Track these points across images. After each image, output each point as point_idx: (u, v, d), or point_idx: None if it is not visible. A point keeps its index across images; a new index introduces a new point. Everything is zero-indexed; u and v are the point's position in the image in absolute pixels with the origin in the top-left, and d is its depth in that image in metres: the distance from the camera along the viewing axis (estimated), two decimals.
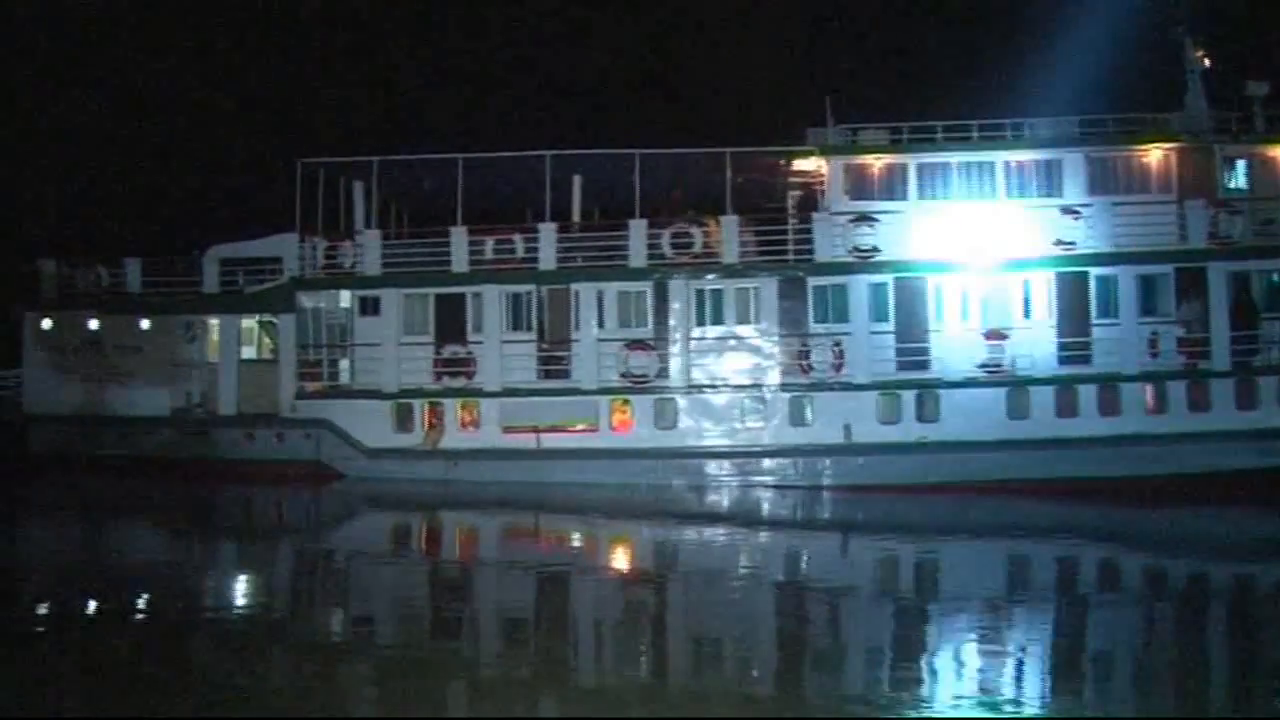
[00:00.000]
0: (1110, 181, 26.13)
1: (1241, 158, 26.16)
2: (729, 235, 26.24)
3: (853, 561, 19.73)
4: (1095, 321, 25.43)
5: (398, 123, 46.13)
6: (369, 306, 27.48)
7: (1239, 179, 26.17)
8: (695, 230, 26.42)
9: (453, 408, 26.36)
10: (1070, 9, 37.38)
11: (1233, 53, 28.25)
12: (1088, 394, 24.86)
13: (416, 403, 26.52)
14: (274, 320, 29.06)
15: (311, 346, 27.67)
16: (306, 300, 27.57)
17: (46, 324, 28.19)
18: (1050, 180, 26.20)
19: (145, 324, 27.74)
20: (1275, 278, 25.64)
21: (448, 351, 26.57)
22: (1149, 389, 24.85)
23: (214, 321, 28.56)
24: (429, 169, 27.87)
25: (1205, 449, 24.19)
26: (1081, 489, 23.99)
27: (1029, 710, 10.97)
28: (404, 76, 51.50)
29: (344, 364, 28.09)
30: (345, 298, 28.61)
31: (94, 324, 27.94)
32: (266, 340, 29.98)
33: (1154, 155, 26.16)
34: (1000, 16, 44.45)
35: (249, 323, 29.69)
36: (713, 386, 25.67)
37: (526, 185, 28.79)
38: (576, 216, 28.56)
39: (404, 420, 26.49)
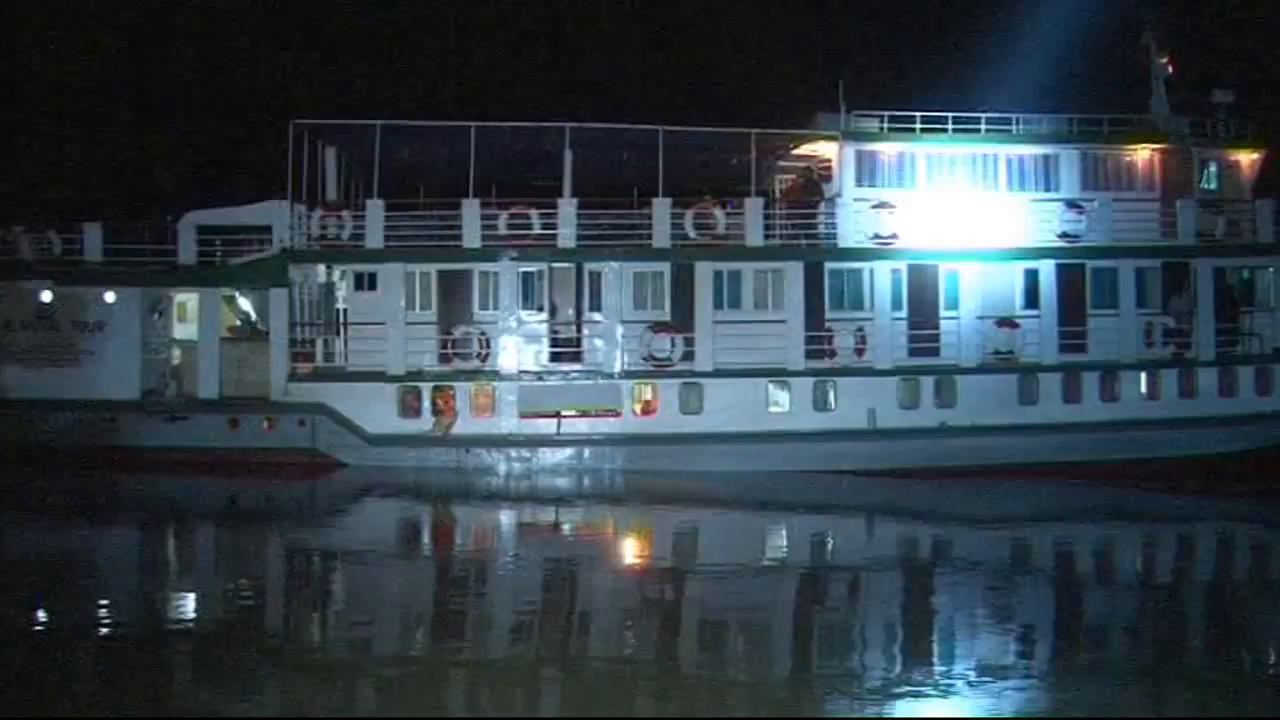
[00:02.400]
0: (1101, 178, 27.40)
1: (1213, 161, 28.00)
2: (754, 218, 25.97)
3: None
4: (1091, 312, 26.68)
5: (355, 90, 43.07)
6: (365, 282, 25.67)
7: (1211, 180, 28.01)
8: (718, 212, 26.00)
9: (466, 391, 24.99)
10: (1046, 10, 38.87)
11: (1197, 61, 30.04)
12: (1090, 381, 26.09)
13: (425, 386, 25.00)
14: (235, 294, 26.83)
15: (303, 325, 25.59)
16: (297, 274, 25.46)
17: None
18: (1048, 175, 27.23)
19: (110, 297, 24.85)
20: (1245, 274, 27.61)
21: (459, 331, 25.17)
22: (1144, 377, 26.32)
23: (184, 297, 26.01)
24: (433, 137, 26.27)
25: (1192, 434, 25.89)
26: (1085, 472, 25.15)
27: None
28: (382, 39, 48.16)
29: (324, 343, 26.20)
30: (322, 271, 26.78)
31: (46, 296, 24.82)
32: (226, 316, 27.52)
33: (1140, 155, 27.62)
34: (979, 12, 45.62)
35: (186, 297, 27.26)
36: (738, 371, 25.32)
37: (520, 158, 27.78)
38: (568, 192, 27.60)
39: (411, 405, 24.92)
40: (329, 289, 27.26)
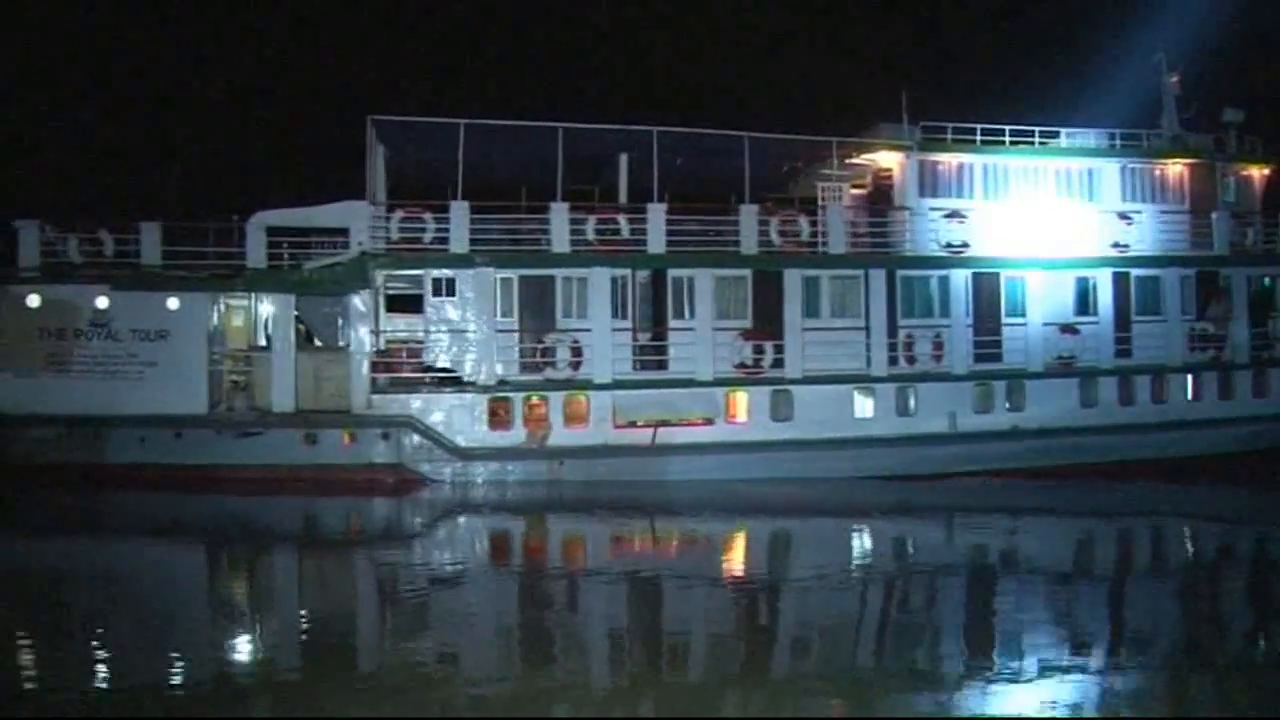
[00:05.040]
0: (1139, 190, 28.72)
1: (1231, 175, 29.77)
2: (835, 226, 26.12)
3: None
4: (1135, 318, 27.96)
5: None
6: (443, 287, 24.53)
7: (1230, 193, 29.77)
8: (803, 219, 26.03)
9: (559, 402, 24.16)
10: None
11: (1208, 80, 31.81)
12: (1142, 384, 27.34)
13: (517, 396, 24.04)
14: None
15: (381, 333, 24.22)
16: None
17: (34, 300, 22.51)
18: (1091, 186, 28.38)
19: (173, 303, 22.88)
20: (1267, 281, 29.47)
21: (550, 339, 24.32)
22: (1190, 379, 27.77)
23: (239, 303, 24.28)
24: (509, 136, 25.29)
25: (1231, 432, 27.48)
26: (1139, 470, 26.28)
27: None
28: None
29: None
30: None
31: (102, 301, 22.65)
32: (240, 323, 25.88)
33: (1173, 169, 29.09)
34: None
35: (237, 303, 25.61)
36: (825, 377, 25.38)
37: (572, 162, 27.13)
38: (624, 198, 27.21)
39: (502, 416, 23.94)
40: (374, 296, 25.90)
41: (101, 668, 11.87)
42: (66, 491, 21.88)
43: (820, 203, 29.59)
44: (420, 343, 24.69)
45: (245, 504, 22.19)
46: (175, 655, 12.26)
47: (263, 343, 25.38)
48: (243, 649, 13.08)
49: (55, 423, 22.30)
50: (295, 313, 25.41)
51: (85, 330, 22.56)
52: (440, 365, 24.27)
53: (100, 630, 13.20)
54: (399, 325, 26.55)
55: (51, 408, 22.39)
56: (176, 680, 11.53)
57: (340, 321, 26.13)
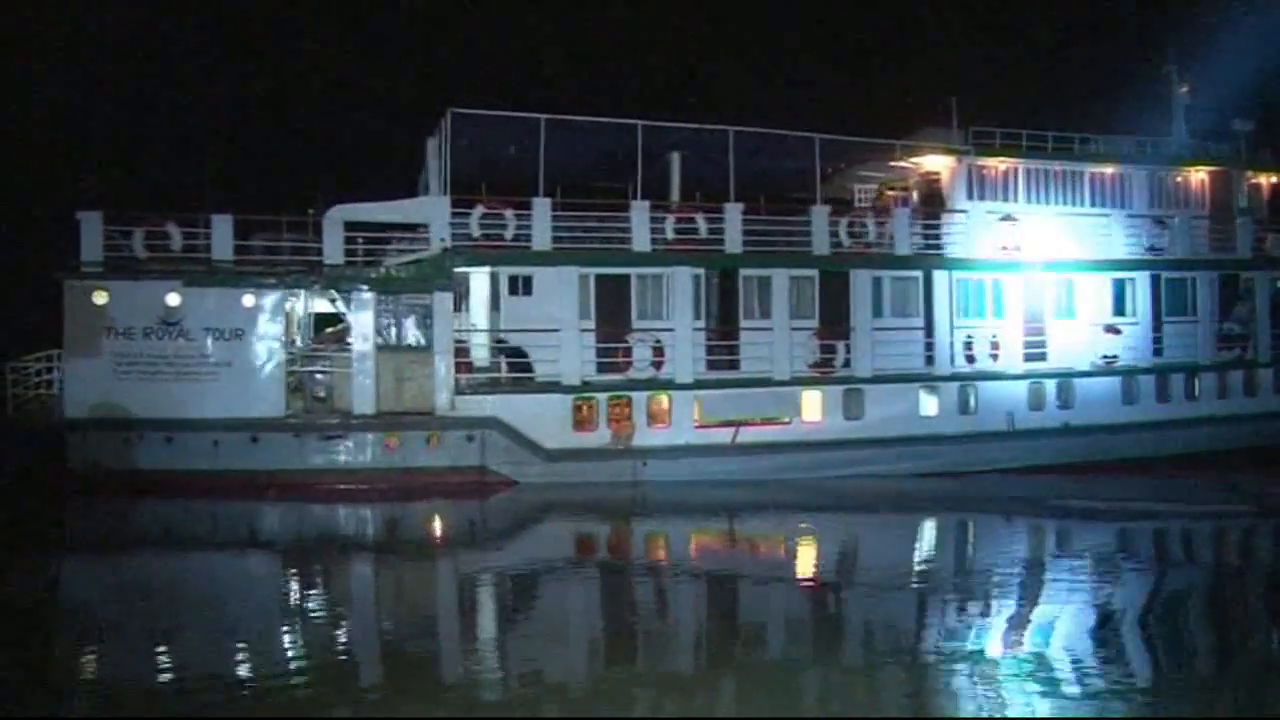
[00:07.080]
0: (1164, 197, 29.80)
1: (1245, 183, 31.13)
2: (901, 228, 26.35)
3: None
4: (1166, 319, 29.00)
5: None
6: (520, 285, 23.88)
7: (1243, 200, 31.13)
8: (870, 220, 26.19)
9: (643, 402, 23.76)
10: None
11: (1217, 89, 33.15)
12: (1177, 382, 28.38)
13: (601, 397, 23.54)
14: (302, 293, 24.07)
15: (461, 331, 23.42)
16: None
17: (100, 298, 21.02)
18: (1122, 193, 29.31)
19: (249, 300, 21.66)
20: (1279, 284, 30.90)
21: (632, 339, 23.90)
22: (1218, 377, 28.93)
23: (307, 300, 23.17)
24: (584, 132, 24.70)
25: (1255, 427, 28.76)
26: (1178, 463, 27.21)
27: None
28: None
29: None
30: None
31: (173, 299, 21.29)
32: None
33: (1195, 176, 30.27)
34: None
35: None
36: (893, 376, 25.61)
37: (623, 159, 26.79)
38: (676, 196, 27.00)
39: (586, 417, 23.43)
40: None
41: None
42: (138, 499, 20.56)
43: (856, 204, 30.06)
44: (463, 342, 23.98)
45: (326, 510, 21.19)
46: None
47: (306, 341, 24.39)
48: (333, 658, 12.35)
49: (124, 426, 20.88)
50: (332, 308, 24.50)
51: (155, 329, 21.19)
52: (518, 364, 23.65)
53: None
54: None
55: (119, 411, 21.00)
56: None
57: (395, 319, 25.21)
